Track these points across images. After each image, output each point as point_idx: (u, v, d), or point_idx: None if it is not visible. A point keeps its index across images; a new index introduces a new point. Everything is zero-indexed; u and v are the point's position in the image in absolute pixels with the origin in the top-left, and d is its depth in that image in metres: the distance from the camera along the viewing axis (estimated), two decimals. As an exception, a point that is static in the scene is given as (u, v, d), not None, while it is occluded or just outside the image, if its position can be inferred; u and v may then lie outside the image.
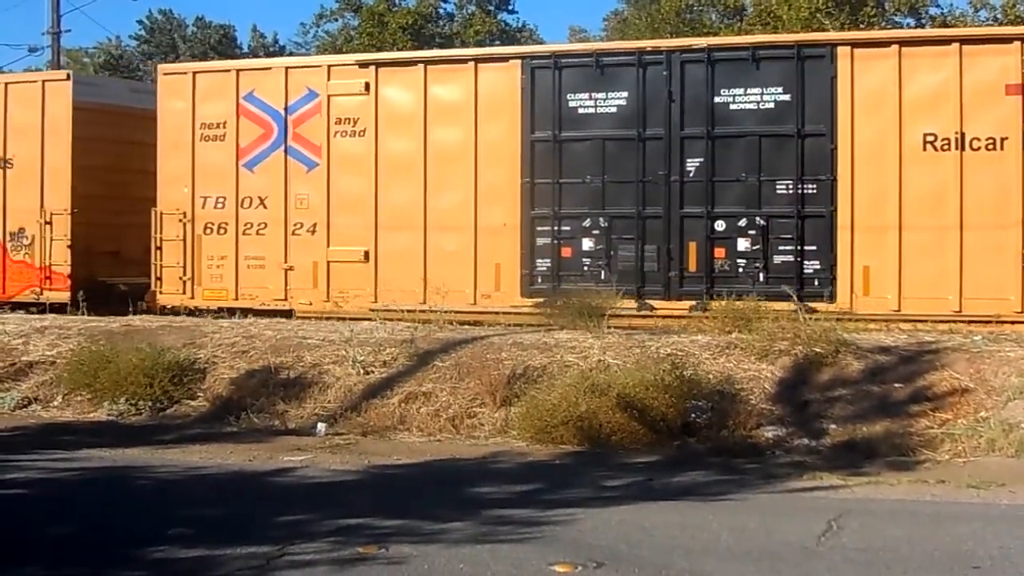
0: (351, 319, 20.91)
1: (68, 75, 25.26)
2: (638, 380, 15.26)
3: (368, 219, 22.20)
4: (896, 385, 15.87)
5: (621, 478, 13.26)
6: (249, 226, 23.04)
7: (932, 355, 16.43)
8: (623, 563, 9.37)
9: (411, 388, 17.01)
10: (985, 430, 14.67)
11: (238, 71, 23.63)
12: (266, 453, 15.03)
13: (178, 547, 9.87)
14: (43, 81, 25.11)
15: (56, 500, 12.29)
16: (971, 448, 14.47)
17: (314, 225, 22.59)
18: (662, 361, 16.22)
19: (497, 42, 57.44)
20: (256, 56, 65.75)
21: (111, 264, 25.18)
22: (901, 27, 43.46)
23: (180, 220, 23.29)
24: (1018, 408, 14.99)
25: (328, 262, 22.44)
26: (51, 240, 24.40)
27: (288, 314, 22.09)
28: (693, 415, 15.49)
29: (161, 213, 23.43)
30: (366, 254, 22.16)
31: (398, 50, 45.98)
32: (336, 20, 63.21)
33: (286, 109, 22.82)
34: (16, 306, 24.23)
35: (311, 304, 22.08)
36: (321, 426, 16.52)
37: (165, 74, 24.58)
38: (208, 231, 23.25)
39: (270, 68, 23.85)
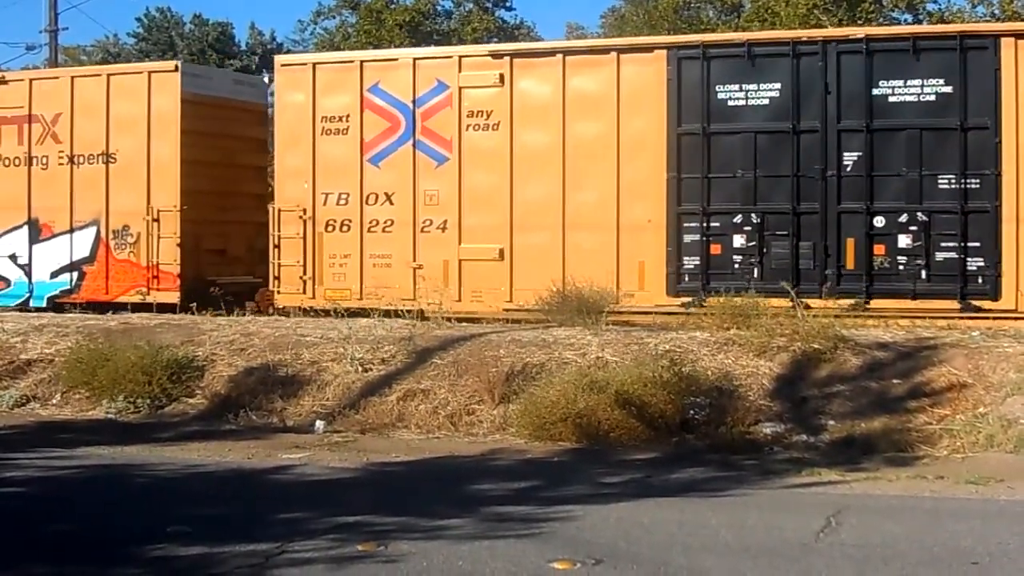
0: (485, 319, 20.63)
1: (176, 66, 24.33)
2: (636, 377, 15.27)
3: (502, 216, 21.55)
4: (894, 381, 15.88)
5: (619, 475, 13.26)
6: (375, 223, 22.34)
7: (930, 351, 16.43)
8: (622, 560, 9.38)
9: (410, 385, 17.01)
10: (983, 426, 14.67)
11: (362, 62, 22.87)
12: (265, 451, 15.03)
13: (177, 545, 9.87)
14: (149, 72, 24.18)
15: (55, 498, 12.29)
16: (969, 444, 14.47)
17: (444, 222, 21.92)
18: (660, 358, 16.21)
19: (495, 39, 57.33)
20: (254, 52, 65.69)
21: (218, 263, 24.46)
22: (899, 23, 43.32)
23: (300, 217, 22.58)
24: (1016, 404, 14.99)
25: (460, 260, 21.75)
26: (159, 238, 23.51)
27: (419, 314, 20.60)
28: (691, 412, 15.49)
29: (279, 210, 22.82)
30: (501, 252, 21.47)
31: (395, 47, 45.93)
32: (334, 17, 63.04)
33: (414, 102, 22.13)
34: (118, 307, 23.22)
35: (441, 304, 20.63)
36: (320, 424, 16.53)
37: (283, 65, 23.75)
38: (330, 228, 22.51)
39: (397, 59, 23.16)
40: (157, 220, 23.51)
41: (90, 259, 24.09)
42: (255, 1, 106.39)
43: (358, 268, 22.32)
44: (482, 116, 21.82)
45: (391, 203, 22.25)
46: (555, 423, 15.06)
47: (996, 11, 42.61)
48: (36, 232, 24.44)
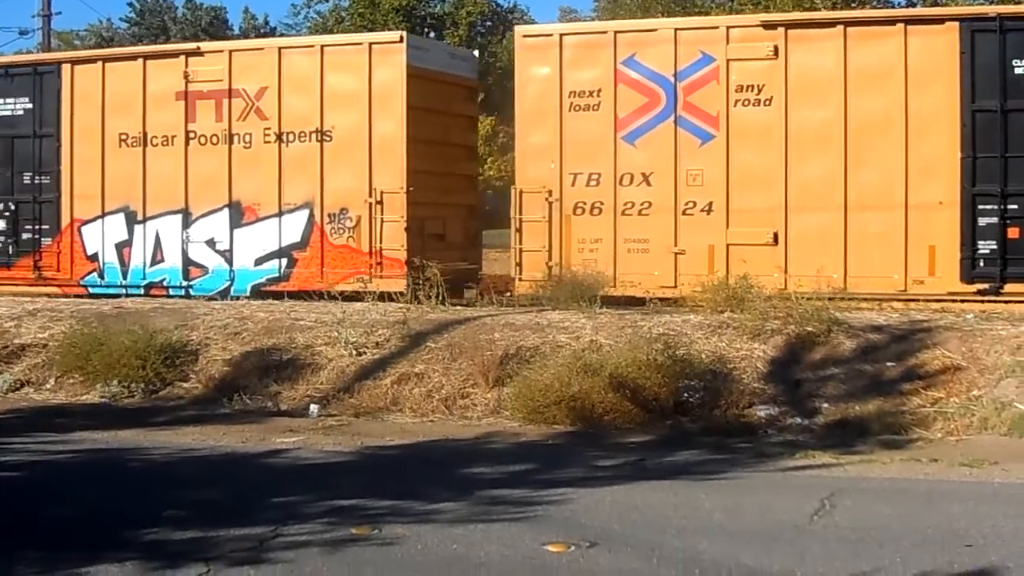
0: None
1: (401, 36, 22.45)
2: (630, 360, 15.27)
3: (774, 197, 20.08)
4: (888, 364, 15.90)
5: (614, 458, 13.27)
6: (630, 205, 20.81)
7: (924, 333, 16.45)
8: (616, 542, 9.39)
9: (404, 369, 17.01)
10: (978, 408, 14.70)
11: (616, 33, 21.32)
12: (259, 435, 15.03)
13: (171, 529, 9.87)
14: (370, 44, 22.44)
15: (49, 483, 12.30)
16: (963, 426, 14.49)
17: (709, 204, 20.44)
18: (654, 341, 16.23)
19: (488, 23, 57.34)
20: (247, 36, 65.63)
21: (438, 248, 22.22)
22: (894, 7, 43.26)
23: (545, 199, 21.12)
24: (1010, 386, 15.02)
25: (727, 245, 20.25)
26: (383, 222, 21.79)
27: (674, 302, 19.82)
28: (686, 395, 15.51)
29: (521, 191, 21.38)
30: (775, 236, 20.00)
31: (389, 30, 45.84)
32: (327, 1, 63.09)
33: (675, 75, 20.65)
34: (333, 296, 20.66)
35: (704, 291, 18.86)
36: (314, 407, 16.52)
37: (526, 37, 22.19)
38: (579, 211, 21.01)
39: (656, 30, 21.62)
40: (380, 202, 21.82)
41: (301, 245, 22.43)
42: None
43: (611, 253, 20.84)
44: (752, 91, 20.41)
45: (648, 184, 20.84)
46: (549, 406, 15.06)
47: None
48: (238, 215, 22.81)
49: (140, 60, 23.83)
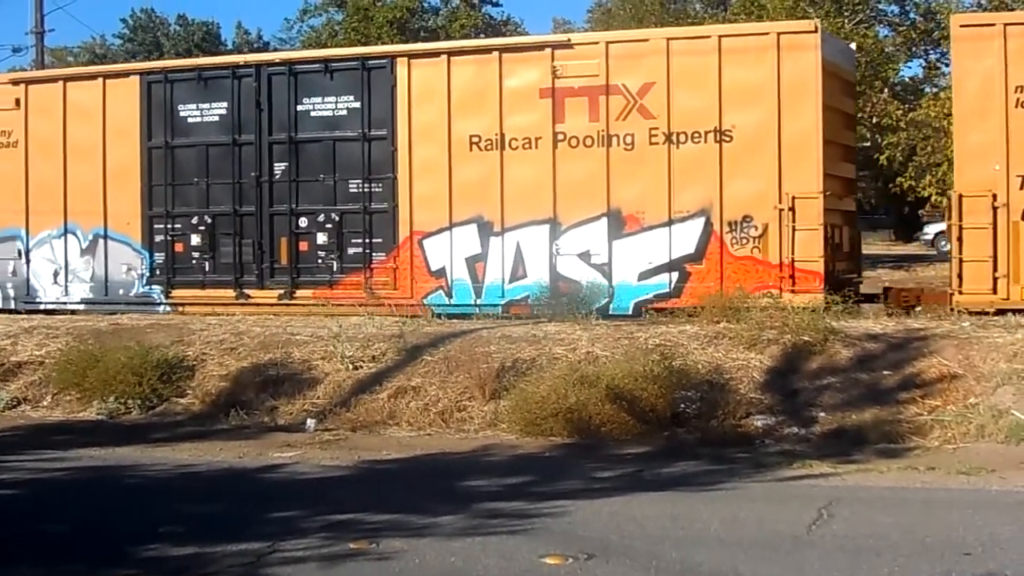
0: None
1: (815, 26, 20.32)
2: (627, 371, 15.28)
3: None
4: (885, 372, 15.91)
5: (611, 469, 13.27)
6: None
7: (920, 342, 16.46)
8: (614, 554, 9.39)
9: (400, 383, 17.01)
10: (975, 416, 14.70)
11: None
12: (256, 450, 15.03)
13: (169, 545, 9.87)
14: (778, 34, 20.13)
15: (47, 500, 12.30)
16: (961, 434, 14.49)
17: None
18: (651, 352, 16.24)
19: (482, 35, 57.40)
20: (240, 51, 65.62)
21: (836, 259, 20.78)
22: (885, 15, 43.28)
23: (990, 204, 18.96)
24: (1007, 394, 15.03)
25: None
26: (794, 230, 19.65)
27: None
28: (682, 405, 15.51)
29: (960, 195, 19.15)
30: None
31: (383, 43, 45.78)
32: (320, 15, 63.04)
33: None
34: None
35: None
36: (311, 422, 16.52)
37: (964, 27, 20.06)
38: None
39: None
40: (792, 209, 19.70)
41: (696, 256, 20.23)
42: (241, 0, 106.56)
43: None
44: None
45: None
46: (546, 418, 15.06)
47: (983, 1, 42.54)
48: (618, 225, 20.60)
49: (495, 53, 21.52)
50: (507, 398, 16.00)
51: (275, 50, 64.40)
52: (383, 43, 46.95)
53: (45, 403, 18.30)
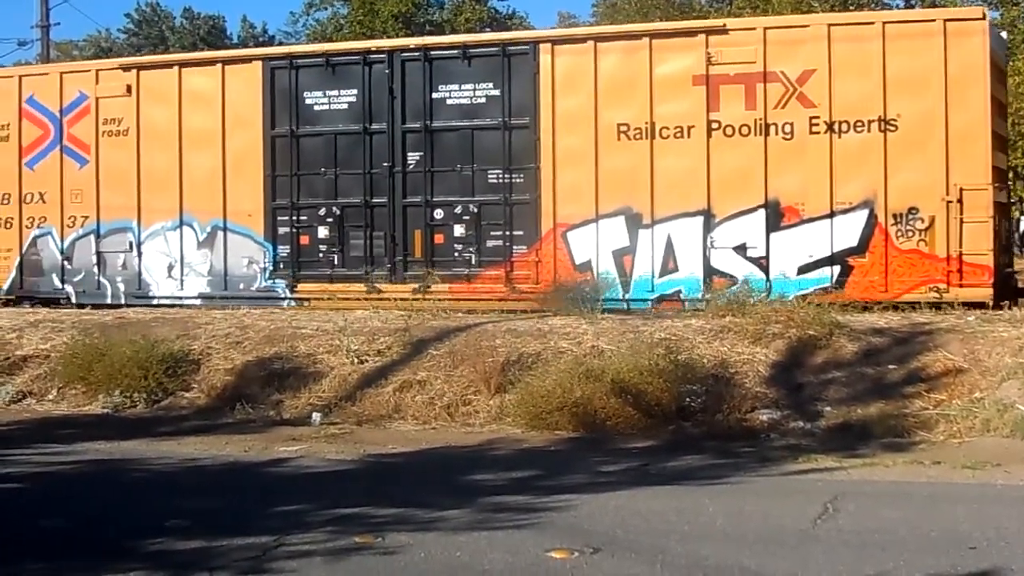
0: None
1: (983, 13, 19.92)
2: (632, 365, 15.27)
3: None
4: (890, 366, 15.90)
5: (617, 463, 13.26)
6: None
7: (926, 336, 16.46)
8: (619, 548, 9.38)
9: (406, 376, 17.01)
10: (980, 410, 14.70)
11: None
12: (261, 444, 15.02)
13: (175, 539, 9.86)
14: (944, 21, 19.64)
15: (52, 494, 12.29)
16: (966, 429, 14.49)
17: None
18: (656, 346, 16.23)
19: (487, 29, 57.40)
20: (246, 45, 65.68)
21: (999, 251, 20.28)
22: (890, 8, 43.24)
23: None
24: (1012, 388, 15.02)
25: None
26: (962, 222, 19.21)
27: None
28: (688, 399, 15.50)
29: None
30: None
31: (388, 37, 45.78)
32: (326, 9, 63.13)
33: None
34: (897, 307, 18.81)
35: None
36: (316, 416, 16.52)
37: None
38: None
39: None
40: (960, 201, 19.26)
41: (858, 250, 19.77)
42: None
43: None
44: None
45: None
46: (552, 412, 15.06)
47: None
48: (776, 217, 20.13)
49: (645, 39, 20.97)
50: (513, 392, 15.99)
51: (280, 43, 64.46)
52: (388, 36, 46.92)
53: (50, 397, 18.31)
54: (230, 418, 16.86)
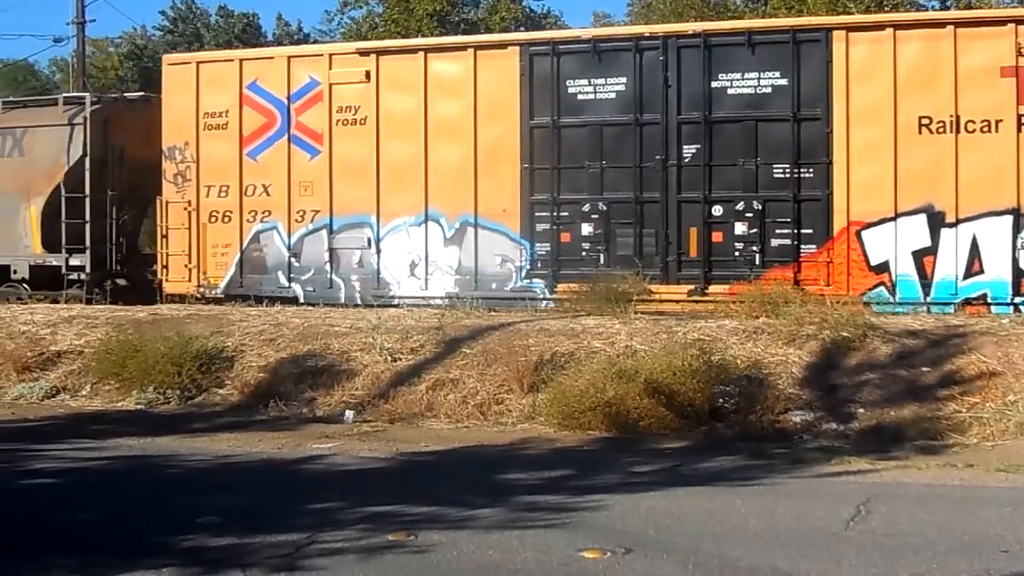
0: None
1: None
2: (666, 365, 15.24)
3: None
4: (924, 369, 15.84)
5: (649, 464, 13.25)
6: None
7: (960, 339, 16.38)
8: (652, 549, 9.37)
9: (439, 375, 17.02)
10: (1014, 414, 14.64)
11: None
12: (294, 441, 15.05)
13: (208, 535, 9.89)
14: None
15: (86, 489, 12.33)
16: (1000, 432, 14.44)
17: None
18: (689, 346, 16.19)
19: (522, 28, 57.38)
20: (280, 43, 65.78)
21: None
22: (926, 9, 43.04)
23: None
24: (1046, 392, 14.96)
25: None
26: None
27: None
28: (721, 400, 15.47)
29: None
30: None
31: (423, 36, 45.74)
32: (361, 7, 63.10)
33: None
34: None
35: None
36: (349, 414, 16.54)
37: None
38: None
39: None
40: None
41: None
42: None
43: None
44: None
45: None
46: (584, 412, 15.04)
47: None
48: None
49: (949, 27, 19.91)
50: (545, 391, 15.99)
51: (315, 42, 64.55)
52: (423, 35, 46.84)
53: (84, 392, 18.39)
54: (263, 415, 16.90)
